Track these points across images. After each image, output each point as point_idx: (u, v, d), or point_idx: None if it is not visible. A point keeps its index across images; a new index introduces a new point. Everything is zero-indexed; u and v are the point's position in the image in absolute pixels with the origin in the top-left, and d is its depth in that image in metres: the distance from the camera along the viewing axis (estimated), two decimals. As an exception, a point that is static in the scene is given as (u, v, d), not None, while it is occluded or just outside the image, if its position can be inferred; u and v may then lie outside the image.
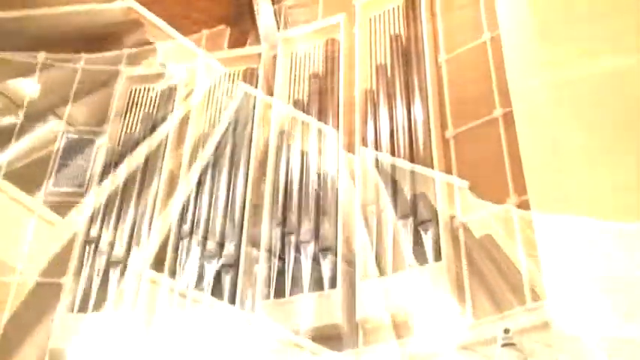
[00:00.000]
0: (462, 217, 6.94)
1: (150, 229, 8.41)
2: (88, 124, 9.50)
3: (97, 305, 7.90)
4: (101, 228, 8.54)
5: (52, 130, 9.25)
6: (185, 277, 7.91)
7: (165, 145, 9.10)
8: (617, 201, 5.87)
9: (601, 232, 5.78)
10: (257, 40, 9.86)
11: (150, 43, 10.04)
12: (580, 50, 6.58)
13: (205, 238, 8.12)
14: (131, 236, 8.40)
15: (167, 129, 9.27)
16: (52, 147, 9.17)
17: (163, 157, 8.98)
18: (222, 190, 8.46)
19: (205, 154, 8.89)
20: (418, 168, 7.36)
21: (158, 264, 8.17)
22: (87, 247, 8.38)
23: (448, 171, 7.30)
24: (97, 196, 8.83)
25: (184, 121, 9.34)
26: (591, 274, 5.67)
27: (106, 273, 8.14)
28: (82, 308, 7.92)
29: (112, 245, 8.35)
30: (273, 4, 9.83)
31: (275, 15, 9.80)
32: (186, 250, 8.06)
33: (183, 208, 8.46)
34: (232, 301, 7.60)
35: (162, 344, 7.41)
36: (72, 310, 7.91)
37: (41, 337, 7.72)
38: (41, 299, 7.99)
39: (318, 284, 7.29)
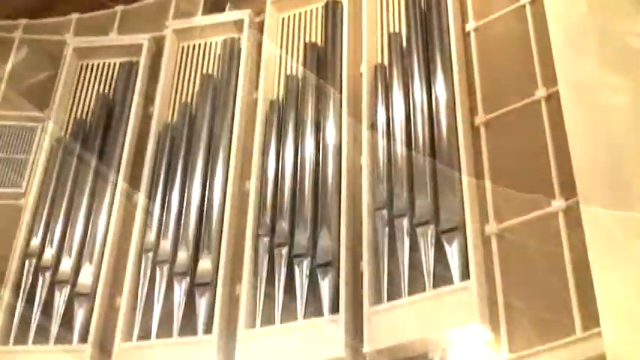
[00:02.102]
0: (496, 225, 6.92)
1: (105, 238, 8.40)
2: (28, 109, 9.50)
3: (40, 336, 7.89)
4: (44, 238, 8.52)
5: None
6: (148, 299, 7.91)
7: (125, 133, 9.09)
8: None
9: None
10: (238, 4, 9.84)
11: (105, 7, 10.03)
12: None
13: (175, 251, 8.10)
14: (81, 248, 8.38)
15: (127, 114, 9.25)
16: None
17: (122, 149, 8.97)
18: (195, 190, 8.44)
19: (175, 144, 8.87)
20: (441, 162, 7.33)
21: (114, 283, 8.17)
22: (26, 263, 8.37)
23: (478, 166, 7.28)
24: (39, 198, 8.81)
25: (148, 104, 9.33)
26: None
27: (50, 295, 8.13)
28: (20, 340, 7.91)
29: (57, 260, 8.33)
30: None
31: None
32: (151, 267, 8.06)
33: (146, 212, 8.45)
34: (209, 330, 7.59)
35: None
36: (6, 343, 7.90)
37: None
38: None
39: (316, 309, 7.27)
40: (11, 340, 7.96)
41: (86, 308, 8.02)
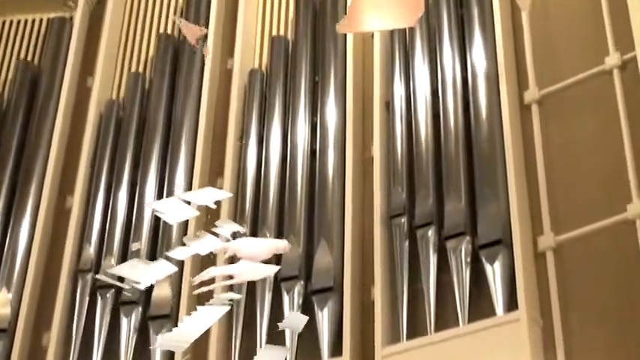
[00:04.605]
0: (553, 236, 6.96)
1: (28, 256, 8.42)
2: None
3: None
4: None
5: None
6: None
7: (55, 113, 9.10)
8: None
9: None
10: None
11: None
12: None
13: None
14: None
15: (57, 88, 9.27)
16: None
17: (51, 134, 8.98)
18: (149, 190, 8.47)
19: (122, 129, 8.89)
20: (479, 153, 7.37)
21: (40, 315, 8.18)
22: None
23: (529, 158, 7.32)
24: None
25: (86, 75, 9.35)
26: None
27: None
28: None
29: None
30: None
31: None
32: (90, 293, 8.07)
33: (83, 221, 8.47)
34: (168, 376, 7.64)
35: None
36: None
37: None
38: None
39: (311, 350, 7.30)
40: None
41: (3, 348, 8.04)
